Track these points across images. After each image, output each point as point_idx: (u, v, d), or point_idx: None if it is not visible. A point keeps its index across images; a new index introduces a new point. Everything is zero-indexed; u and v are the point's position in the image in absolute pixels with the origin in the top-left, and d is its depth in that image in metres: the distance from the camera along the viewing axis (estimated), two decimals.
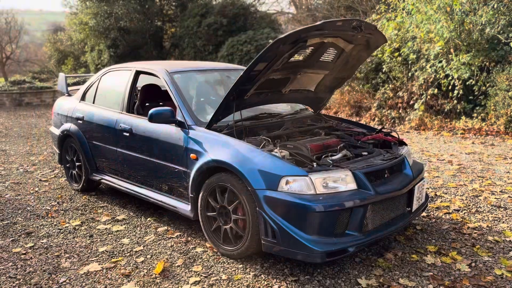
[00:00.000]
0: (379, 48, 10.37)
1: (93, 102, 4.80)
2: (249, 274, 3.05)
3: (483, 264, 3.13)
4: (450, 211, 4.18)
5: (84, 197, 4.85)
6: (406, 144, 3.85)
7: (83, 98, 4.98)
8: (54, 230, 3.91)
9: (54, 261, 3.32)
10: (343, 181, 3.00)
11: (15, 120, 11.59)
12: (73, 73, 24.74)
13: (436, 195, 4.65)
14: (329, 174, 2.98)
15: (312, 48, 3.44)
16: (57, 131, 5.20)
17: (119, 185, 4.37)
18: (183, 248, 3.47)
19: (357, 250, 3.15)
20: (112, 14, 21.29)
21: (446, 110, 8.88)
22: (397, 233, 3.67)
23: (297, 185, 2.92)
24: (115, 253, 3.43)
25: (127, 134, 4.12)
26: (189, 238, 3.67)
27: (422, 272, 3.03)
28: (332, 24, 3.19)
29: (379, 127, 4.03)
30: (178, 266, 3.19)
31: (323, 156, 3.41)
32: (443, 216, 4.05)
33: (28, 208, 4.51)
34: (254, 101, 3.72)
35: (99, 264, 3.24)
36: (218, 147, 3.32)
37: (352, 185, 3.02)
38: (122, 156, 4.27)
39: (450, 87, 8.72)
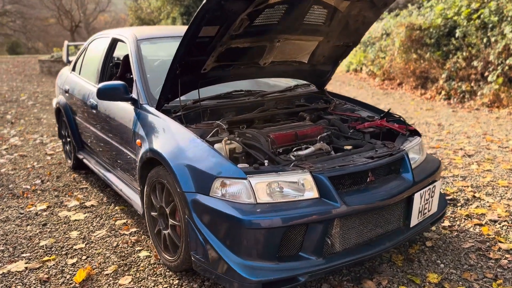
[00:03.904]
0: (456, 9, 8.89)
1: (79, 73, 4.37)
2: None
3: None
4: (484, 221, 3.19)
5: (72, 175, 4.51)
6: (419, 135, 2.92)
7: (73, 68, 4.58)
8: (15, 214, 3.59)
9: None
10: (298, 187, 2.24)
11: None
12: None
13: (474, 196, 3.64)
14: (278, 177, 2.23)
15: (286, 6, 2.62)
16: (54, 104, 4.89)
17: (94, 167, 3.94)
18: (127, 250, 2.95)
19: (314, 279, 2.40)
20: None
21: None
22: (397, 250, 2.82)
23: (234, 190, 2.22)
24: (53, 249, 3.00)
25: (94, 111, 3.64)
26: (142, 237, 3.13)
27: None
28: None
29: (389, 112, 3.12)
30: (107, 274, 2.67)
31: (294, 149, 2.64)
32: (471, 229, 3.09)
33: (11, 186, 4.26)
34: (222, 76, 3.00)
35: (25, 263, 2.82)
36: (159, 133, 2.70)
37: (311, 193, 2.25)
38: (93, 135, 3.81)
39: None
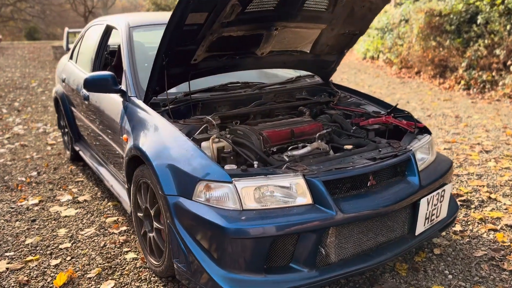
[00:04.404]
0: None
1: (76, 62, 4.20)
2: None
3: None
4: (499, 226, 2.94)
5: (70, 167, 4.37)
6: (429, 132, 2.67)
7: (71, 57, 4.42)
8: (5, 209, 3.47)
9: None
10: (289, 192, 2.04)
11: None
12: None
13: (490, 197, 3.37)
14: (268, 181, 2.02)
15: None
16: (53, 93, 4.75)
17: (88, 160, 3.79)
18: (114, 251, 2.79)
19: None
20: None
21: None
22: (401, 258, 2.60)
23: (218, 195, 2.03)
24: (38, 248, 2.86)
25: (86, 103, 3.47)
26: (132, 237, 2.97)
27: None
28: None
29: (398, 107, 2.87)
30: (89, 278, 2.51)
31: (289, 148, 2.43)
32: (485, 235, 2.85)
33: (6, 178, 4.15)
34: (215, 67, 2.79)
35: (7, 263, 2.69)
36: (144, 129, 2.51)
37: (304, 199, 2.04)
38: (87, 127, 3.66)
39: None
